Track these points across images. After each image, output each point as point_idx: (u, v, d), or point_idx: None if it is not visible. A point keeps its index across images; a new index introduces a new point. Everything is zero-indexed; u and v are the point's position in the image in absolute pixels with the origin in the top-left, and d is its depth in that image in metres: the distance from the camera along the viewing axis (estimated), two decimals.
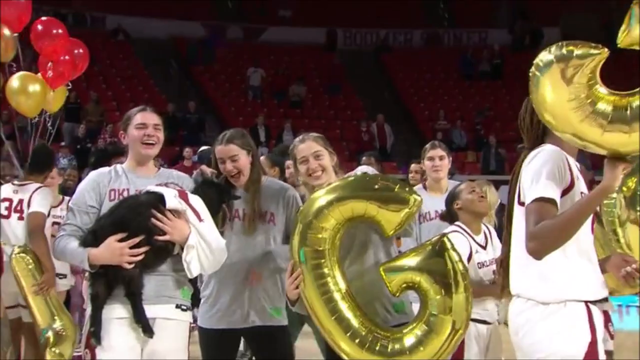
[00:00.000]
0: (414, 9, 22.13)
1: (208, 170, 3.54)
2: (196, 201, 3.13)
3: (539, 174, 2.58)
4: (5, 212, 5.06)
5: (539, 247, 2.52)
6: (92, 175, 3.28)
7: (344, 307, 2.95)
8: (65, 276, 5.58)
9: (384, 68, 21.20)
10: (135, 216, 3.01)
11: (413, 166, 5.88)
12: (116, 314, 3.03)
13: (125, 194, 3.15)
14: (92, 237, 3.01)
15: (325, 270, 2.97)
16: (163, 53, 19.37)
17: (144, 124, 3.23)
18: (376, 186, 3.01)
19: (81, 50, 6.54)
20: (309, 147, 3.28)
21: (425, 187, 4.78)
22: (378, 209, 2.96)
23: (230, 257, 3.31)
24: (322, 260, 2.97)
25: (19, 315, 5.21)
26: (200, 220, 3.08)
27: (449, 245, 2.95)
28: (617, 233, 3.52)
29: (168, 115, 14.59)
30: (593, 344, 2.54)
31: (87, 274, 3.09)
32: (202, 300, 3.57)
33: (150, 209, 3.00)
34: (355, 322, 2.94)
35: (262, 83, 19.33)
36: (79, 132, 15.35)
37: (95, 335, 2.98)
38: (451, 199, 4.08)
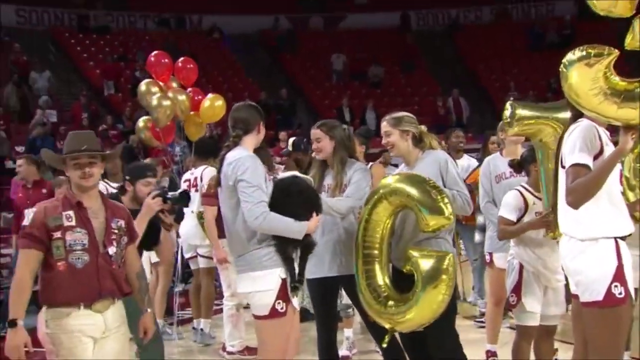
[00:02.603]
0: None
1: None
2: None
3: (575, 144, 3.09)
4: (185, 187, 6.64)
5: (575, 199, 3.03)
6: (256, 159, 3.77)
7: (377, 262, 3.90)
8: None
9: (456, 45, 22.03)
10: (318, 198, 3.91)
11: (493, 138, 6.53)
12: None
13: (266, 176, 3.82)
14: (306, 214, 3.74)
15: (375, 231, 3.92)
16: (253, 46, 20.81)
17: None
18: (427, 191, 3.67)
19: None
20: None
21: (501, 153, 5.37)
22: (419, 210, 3.67)
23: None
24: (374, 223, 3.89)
25: (197, 265, 6.77)
26: None
27: (445, 265, 3.70)
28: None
29: (261, 102, 15.59)
30: (620, 267, 3.09)
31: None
32: None
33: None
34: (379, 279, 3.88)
35: (344, 67, 20.48)
36: None
37: (294, 289, 3.72)
38: (532, 160, 4.33)
